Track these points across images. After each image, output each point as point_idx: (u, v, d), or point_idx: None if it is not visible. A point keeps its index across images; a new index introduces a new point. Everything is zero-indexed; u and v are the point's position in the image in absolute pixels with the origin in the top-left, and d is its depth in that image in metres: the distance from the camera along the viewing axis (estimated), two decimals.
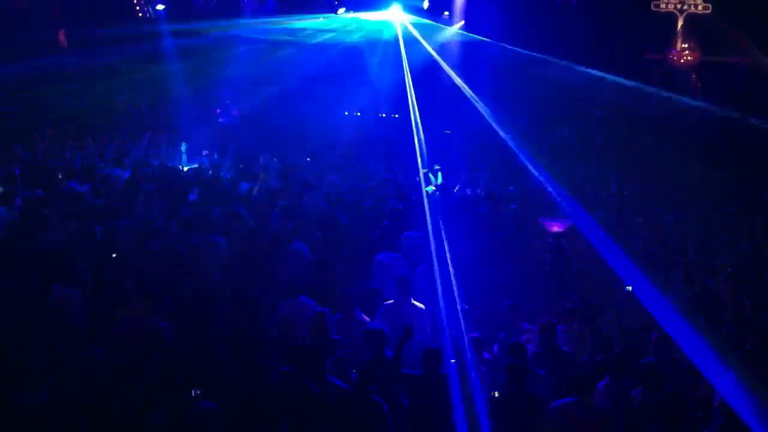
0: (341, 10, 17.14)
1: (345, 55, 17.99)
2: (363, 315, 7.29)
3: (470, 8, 17.28)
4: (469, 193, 12.70)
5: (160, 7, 16.47)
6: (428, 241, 9.26)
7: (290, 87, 17.48)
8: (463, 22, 17.33)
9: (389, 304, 7.53)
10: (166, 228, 9.57)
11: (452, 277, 8.33)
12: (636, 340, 6.93)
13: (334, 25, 17.73)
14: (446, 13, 17.74)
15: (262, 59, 17.13)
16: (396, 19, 17.36)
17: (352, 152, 15.26)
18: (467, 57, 17.31)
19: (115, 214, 9.83)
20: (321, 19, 17.33)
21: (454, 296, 7.98)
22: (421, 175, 12.53)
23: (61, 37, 15.90)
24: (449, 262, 8.71)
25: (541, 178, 14.34)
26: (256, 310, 7.08)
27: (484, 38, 16.80)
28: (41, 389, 5.65)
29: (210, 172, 13.06)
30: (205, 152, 14.60)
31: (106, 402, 5.64)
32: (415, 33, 17.33)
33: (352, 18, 17.36)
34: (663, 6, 15.94)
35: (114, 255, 8.55)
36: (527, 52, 16.02)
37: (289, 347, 6.37)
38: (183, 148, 14.15)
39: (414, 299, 7.58)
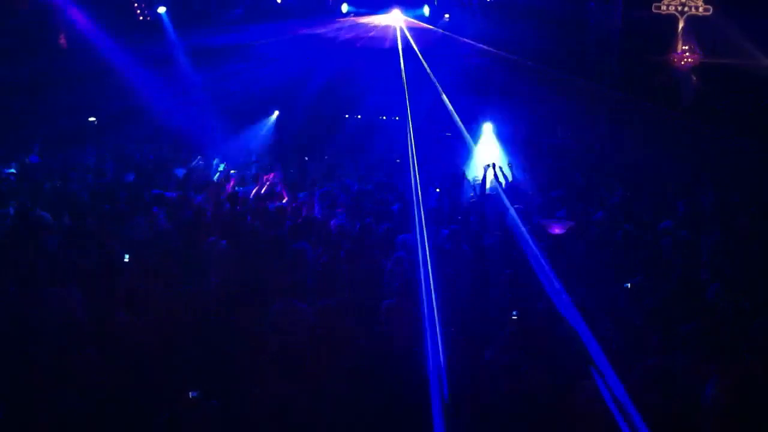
0: (344, 7, 17.12)
1: (345, 58, 18.02)
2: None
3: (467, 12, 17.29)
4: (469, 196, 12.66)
5: (161, 9, 16.29)
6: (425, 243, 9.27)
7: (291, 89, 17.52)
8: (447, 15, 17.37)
9: (391, 302, 7.54)
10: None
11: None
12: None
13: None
14: (447, 15, 17.74)
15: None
16: (396, 22, 17.39)
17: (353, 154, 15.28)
18: (469, 62, 17.32)
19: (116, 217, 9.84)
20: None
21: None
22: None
23: (62, 39, 15.92)
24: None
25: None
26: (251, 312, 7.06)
27: (480, 44, 16.83)
28: (42, 392, 5.64)
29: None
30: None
31: (105, 404, 5.63)
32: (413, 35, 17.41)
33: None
34: (664, 8, 15.94)
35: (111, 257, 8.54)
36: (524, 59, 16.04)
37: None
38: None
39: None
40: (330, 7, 17.42)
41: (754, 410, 5.12)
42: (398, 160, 16.19)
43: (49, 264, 7.57)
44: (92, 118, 16.26)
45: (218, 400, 5.67)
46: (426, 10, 17.30)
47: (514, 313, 7.03)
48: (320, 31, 17.44)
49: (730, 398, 5.34)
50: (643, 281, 8.23)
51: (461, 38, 17.10)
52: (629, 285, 8.18)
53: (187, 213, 10.17)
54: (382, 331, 7.18)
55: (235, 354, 6.34)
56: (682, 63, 16.14)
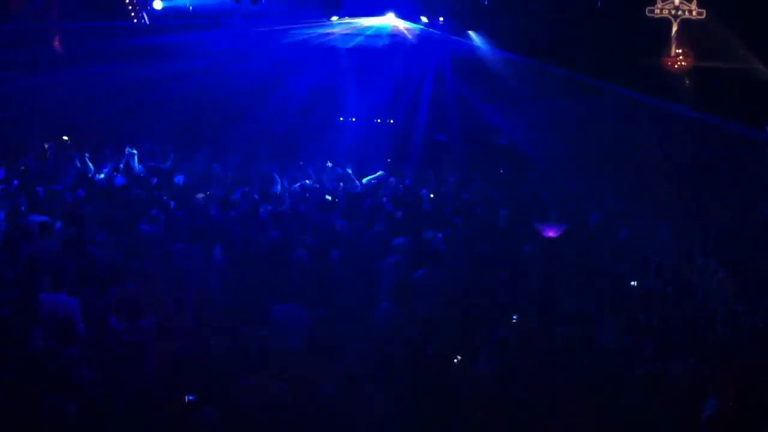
0: (334, 18, 17.11)
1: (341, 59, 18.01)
2: None
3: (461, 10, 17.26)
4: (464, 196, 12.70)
5: (157, 5, 16.06)
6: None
7: (283, 92, 17.48)
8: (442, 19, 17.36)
9: (385, 306, 7.55)
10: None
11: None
12: None
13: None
14: (441, 18, 17.74)
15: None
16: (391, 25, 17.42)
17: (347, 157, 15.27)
18: (460, 62, 17.34)
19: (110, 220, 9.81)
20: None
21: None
22: None
23: (56, 42, 15.86)
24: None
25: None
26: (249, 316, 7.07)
27: (477, 42, 16.83)
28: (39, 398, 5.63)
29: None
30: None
31: (102, 409, 5.63)
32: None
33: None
34: (657, 11, 15.99)
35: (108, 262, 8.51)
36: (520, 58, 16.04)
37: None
38: None
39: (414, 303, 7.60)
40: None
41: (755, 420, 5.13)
42: (389, 160, 16.20)
43: (45, 269, 7.56)
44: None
45: (214, 404, 5.67)
46: (423, 19, 17.33)
47: (515, 317, 7.05)
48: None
49: (732, 408, 5.34)
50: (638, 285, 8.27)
51: (458, 38, 17.12)
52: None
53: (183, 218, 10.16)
54: (378, 335, 7.19)
55: (231, 358, 6.34)
56: (676, 66, 16.18)
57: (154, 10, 16.29)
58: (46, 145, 13.81)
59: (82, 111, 15.84)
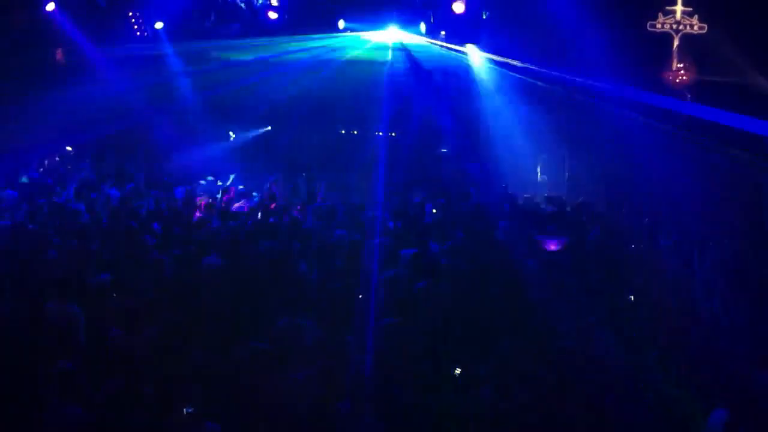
0: (341, 23, 17.14)
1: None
2: None
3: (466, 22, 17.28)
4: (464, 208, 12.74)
5: (158, 25, 16.30)
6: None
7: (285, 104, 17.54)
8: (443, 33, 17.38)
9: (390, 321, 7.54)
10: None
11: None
12: None
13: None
14: (443, 32, 17.78)
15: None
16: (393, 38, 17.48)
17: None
18: (460, 72, 17.38)
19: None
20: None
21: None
22: None
23: (59, 55, 15.93)
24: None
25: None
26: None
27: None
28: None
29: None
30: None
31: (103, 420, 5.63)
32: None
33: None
34: (659, 26, 16.05)
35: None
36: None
37: None
38: None
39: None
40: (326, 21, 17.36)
41: None
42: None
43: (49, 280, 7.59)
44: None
45: (215, 417, 5.68)
46: (422, 27, 17.34)
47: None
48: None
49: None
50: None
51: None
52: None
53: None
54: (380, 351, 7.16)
55: (233, 370, 6.35)
56: (677, 81, 16.22)
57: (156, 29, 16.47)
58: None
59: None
